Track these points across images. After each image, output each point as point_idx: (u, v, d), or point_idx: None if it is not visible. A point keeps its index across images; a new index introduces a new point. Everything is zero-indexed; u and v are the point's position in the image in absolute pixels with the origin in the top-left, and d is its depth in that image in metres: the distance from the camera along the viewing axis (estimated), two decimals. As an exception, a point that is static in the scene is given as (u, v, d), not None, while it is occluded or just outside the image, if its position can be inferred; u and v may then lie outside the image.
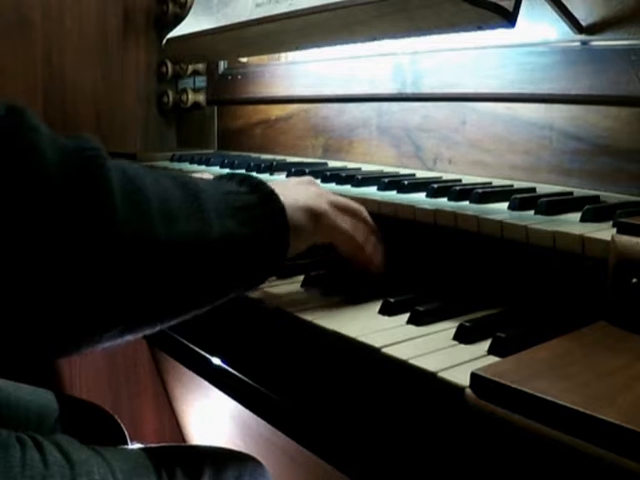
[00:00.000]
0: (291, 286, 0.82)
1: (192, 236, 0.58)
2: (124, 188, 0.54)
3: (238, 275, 0.65)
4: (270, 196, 0.67)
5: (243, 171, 1.21)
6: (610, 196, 0.84)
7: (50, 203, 0.50)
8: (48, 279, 0.51)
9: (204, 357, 0.81)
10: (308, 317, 0.70)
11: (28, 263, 0.50)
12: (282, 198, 0.68)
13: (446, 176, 1.05)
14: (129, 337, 0.60)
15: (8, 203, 0.49)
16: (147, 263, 0.55)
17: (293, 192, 0.72)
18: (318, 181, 1.04)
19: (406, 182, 0.92)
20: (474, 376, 0.48)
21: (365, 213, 0.81)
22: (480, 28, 0.78)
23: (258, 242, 0.64)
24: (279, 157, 1.40)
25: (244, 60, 1.59)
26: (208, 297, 0.64)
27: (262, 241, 0.64)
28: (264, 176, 1.14)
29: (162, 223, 0.56)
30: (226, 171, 1.25)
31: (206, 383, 0.84)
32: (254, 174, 1.16)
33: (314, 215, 0.71)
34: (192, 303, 0.63)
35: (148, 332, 0.61)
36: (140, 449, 0.80)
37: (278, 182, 0.73)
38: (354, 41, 1.04)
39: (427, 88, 1.12)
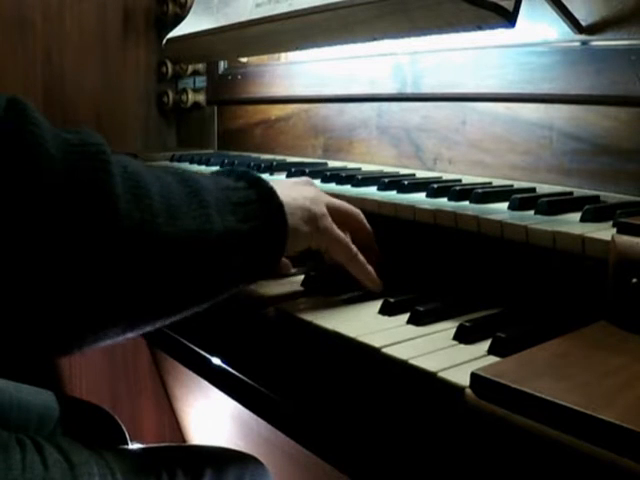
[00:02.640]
0: (291, 286, 0.82)
1: (194, 231, 0.58)
2: (126, 183, 0.55)
3: (237, 271, 0.64)
4: (269, 192, 0.67)
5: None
6: (610, 196, 0.84)
7: (53, 196, 0.51)
8: (51, 273, 0.51)
9: (204, 357, 0.81)
10: (308, 317, 0.70)
11: (31, 257, 0.50)
12: (281, 196, 0.68)
13: (446, 176, 1.05)
14: (130, 334, 0.60)
15: (11, 197, 0.49)
16: (149, 256, 0.55)
17: (292, 192, 0.72)
18: (317, 181, 1.04)
19: (406, 182, 0.92)
20: (474, 376, 0.48)
21: (361, 216, 0.80)
22: (480, 28, 0.78)
23: (257, 238, 0.64)
24: (279, 157, 1.40)
25: (244, 60, 1.59)
26: (208, 293, 0.64)
27: (261, 237, 0.64)
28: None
29: (165, 218, 0.56)
30: (226, 171, 1.25)
31: (206, 383, 0.84)
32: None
33: (311, 217, 0.71)
34: (192, 299, 0.62)
35: (149, 329, 0.61)
36: (140, 449, 0.80)
37: (276, 181, 0.73)
38: (354, 41, 1.04)
39: (427, 88, 1.12)
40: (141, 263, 0.55)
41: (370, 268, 0.77)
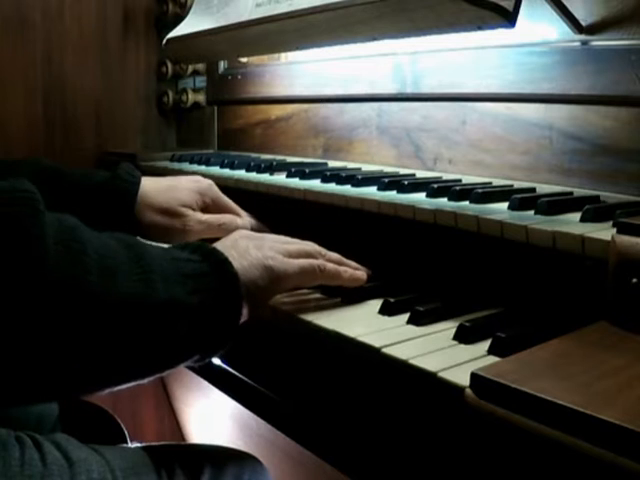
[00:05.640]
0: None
1: (132, 294, 0.54)
2: (59, 235, 0.51)
3: (187, 344, 0.60)
4: (222, 264, 0.63)
5: (243, 172, 1.21)
6: (610, 196, 0.84)
7: None
8: None
9: (204, 357, 0.81)
10: (308, 317, 0.70)
11: None
12: (235, 263, 0.64)
13: (446, 176, 1.05)
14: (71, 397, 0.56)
15: None
16: (79, 315, 0.50)
17: (249, 250, 0.68)
18: (317, 181, 1.04)
19: (406, 182, 0.92)
20: (474, 376, 0.48)
21: (322, 251, 0.77)
22: (480, 28, 0.78)
23: (207, 312, 0.60)
24: (279, 157, 1.40)
25: (244, 60, 1.59)
26: (151, 364, 0.59)
27: (212, 311, 0.60)
28: (264, 176, 1.14)
29: (99, 276, 0.52)
30: (226, 171, 1.25)
31: (206, 383, 0.84)
32: (254, 174, 1.17)
33: (267, 270, 0.68)
34: (133, 368, 0.58)
35: (87, 395, 0.57)
36: (139, 448, 0.80)
37: (229, 247, 0.68)
38: (354, 41, 1.04)
39: (427, 88, 1.12)
40: (71, 321, 0.50)
41: (344, 268, 0.76)
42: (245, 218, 1.01)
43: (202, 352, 0.62)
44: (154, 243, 0.63)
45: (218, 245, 0.67)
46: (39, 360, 0.50)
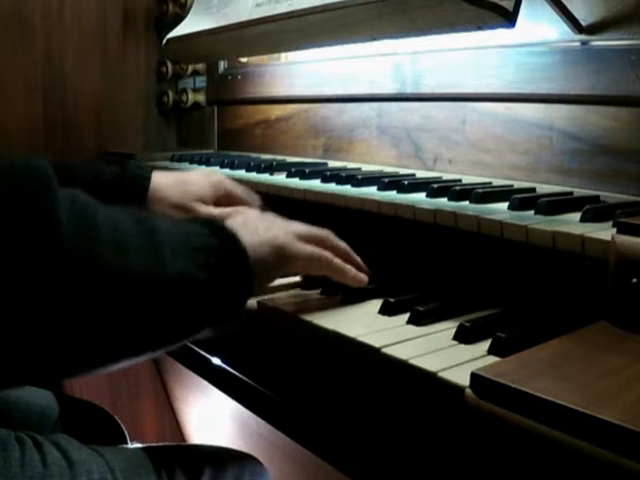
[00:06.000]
0: (290, 286, 0.82)
1: (143, 270, 0.55)
2: (73, 213, 0.52)
3: (196, 318, 0.60)
4: (232, 239, 0.63)
5: (243, 172, 1.21)
6: (610, 196, 0.84)
7: None
8: None
9: (204, 357, 0.81)
10: (308, 317, 0.70)
11: None
12: (244, 239, 0.64)
13: (446, 176, 1.05)
14: (79, 374, 0.57)
15: None
16: (94, 290, 0.51)
17: (258, 229, 0.69)
18: (317, 181, 1.04)
19: (406, 182, 0.92)
20: (474, 376, 0.48)
21: (331, 237, 0.77)
22: (480, 28, 0.78)
23: (216, 287, 0.60)
24: (279, 157, 1.40)
25: (244, 60, 1.59)
26: (162, 338, 0.60)
27: (221, 285, 0.61)
28: (264, 176, 1.14)
29: (112, 251, 0.53)
30: (226, 171, 1.25)
31: (206, 383, 0.84)
32: (254, 174, 1.17)
33: (276, 248, 0.68)
34: (146, 341, 0.58)
35: (98, 371, 0.58)
36: (140, 448, 0.80)
37: (241, 223, 0.69)
38: (354, 41, 1.04)
39: (427, 88, 1.12)
40: (85, 297, 0.51)
41: (350, 267, 0.75)
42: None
43: (211, 326, 0.63)
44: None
45: (229, 222, 0.68)
46: (52, 334, 0.51)
